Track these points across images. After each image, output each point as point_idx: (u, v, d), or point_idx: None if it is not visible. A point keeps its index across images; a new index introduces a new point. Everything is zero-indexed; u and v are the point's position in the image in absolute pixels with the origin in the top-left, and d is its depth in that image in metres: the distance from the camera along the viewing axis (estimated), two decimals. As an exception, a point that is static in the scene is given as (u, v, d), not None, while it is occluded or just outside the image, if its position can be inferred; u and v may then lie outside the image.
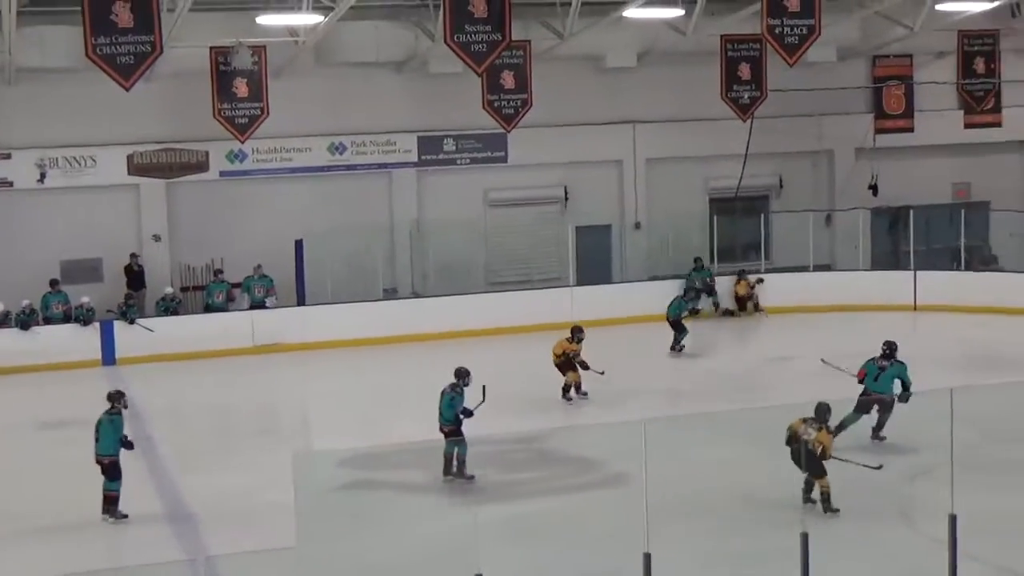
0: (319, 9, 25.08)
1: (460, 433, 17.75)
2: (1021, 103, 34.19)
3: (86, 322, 26.31)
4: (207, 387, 24.40)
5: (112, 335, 26.31)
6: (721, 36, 29.51)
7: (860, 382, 19.05)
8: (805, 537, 9.47)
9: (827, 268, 31.58)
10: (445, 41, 24.23)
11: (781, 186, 33.20)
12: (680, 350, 25.63)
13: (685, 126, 31.70)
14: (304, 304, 28.27)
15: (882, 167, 32.66)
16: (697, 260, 30.14)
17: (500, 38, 24.27)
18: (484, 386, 17.93)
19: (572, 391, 22.20)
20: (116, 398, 16.62)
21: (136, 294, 27.77)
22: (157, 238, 28.98)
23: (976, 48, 32.52)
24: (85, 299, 26.56)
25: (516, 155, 30.82)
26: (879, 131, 33.16)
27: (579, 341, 22.11)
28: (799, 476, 9.61)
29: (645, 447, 9.78)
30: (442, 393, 18.03)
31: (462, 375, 18.08)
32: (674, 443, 17.94)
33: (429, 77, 29.55)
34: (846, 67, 32.69)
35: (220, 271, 28.20)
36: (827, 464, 14.92)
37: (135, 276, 28.34)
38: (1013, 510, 15.89)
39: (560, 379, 22.11)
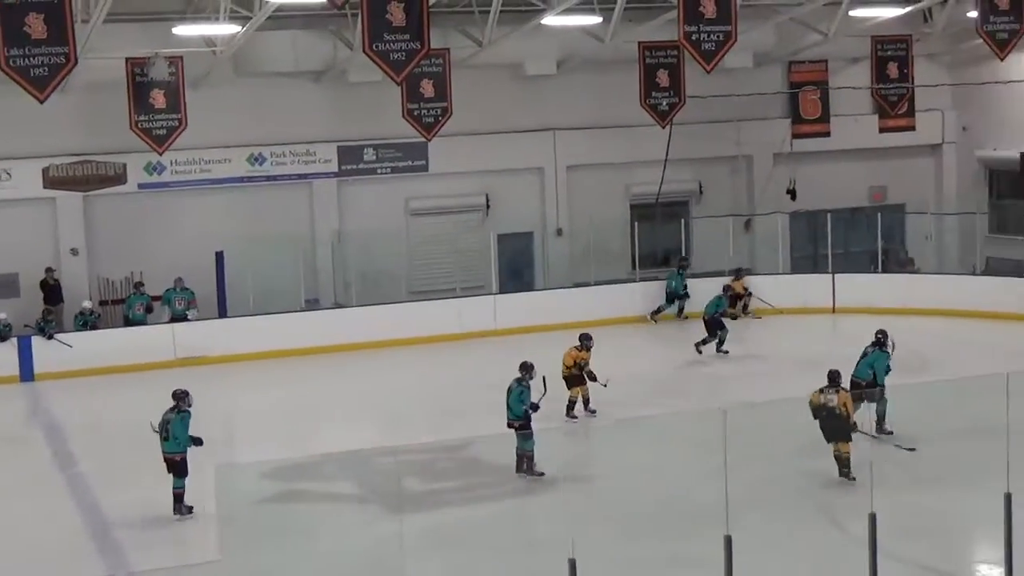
0: (236, 19, 24.93)
1: (528, 428, 17.72)
2: (934, 107, 34.71)
3: (3, 338, 25.93)
4: (128, 402, 24.09)
5: (30, 351, 25.95)
6: (639, 43, 29.69)
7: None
8: (729, 540, 9.54)
9: (748, 273, 31.81)
10: (364, 50, 24.15)
11: (701, 191, 33.43)
12: (719, 351, 25.75)
13: (605, 133, 31.84)
14: (226, 316, 28.07)
15: (800, 171, 33.00)
16: (683, 260, 30.35)
17: (419, 46, 24.23)
18: (544, 377, 18.03)
19: (578, 407, 20.69)
20: (182, 396, 17.11)
21: (54, 309, 27.40)
22: (75, 252, 28.63)
23: (889, 53, 32.94)
24: (2, 315, 26.18)
25: (437, 164, 30.80)
26: (796, 136, 33.51)
27: (589, 348, 20.75)
28: (721, 481, 9.70)
29: (567, 455, 9.80)
30: (509, 389, 18.11)
31: (528, 368, 18.16)
32: (598, 449, 18.06)
33: (348, 86, 29.47)
34: (763, 73, 33.01)
35: (140, 284, 27.91)
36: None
37: (51, 290, 27.97)
38: (933, 508, 16.14)
39: (562, 392, 20.26)
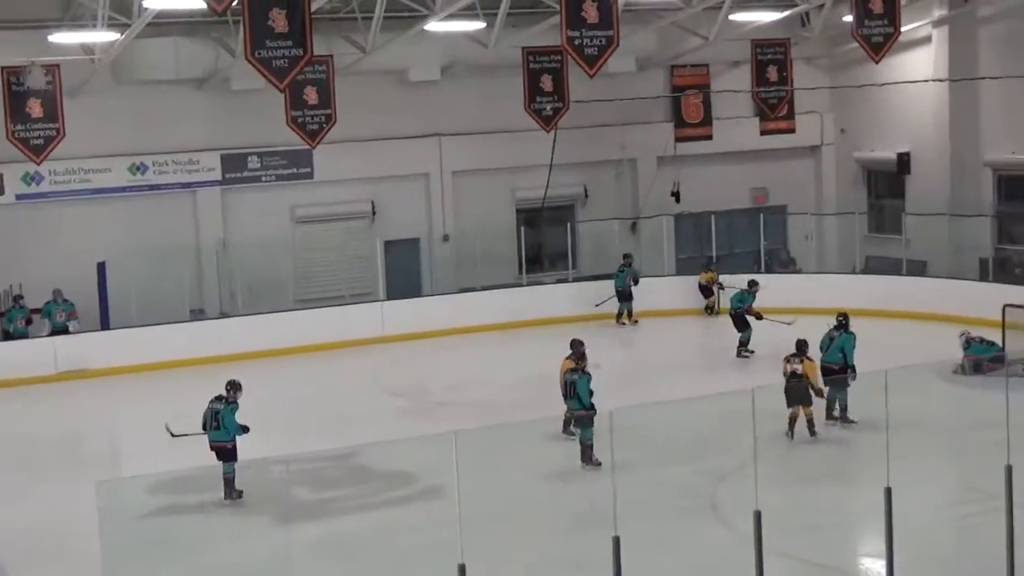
0: (115, 26, 24.59)
1: (594, 416, 18.17)
2: (812, 110, 35.30)
3: None
4: (8, 417, 23.65)
5: (-93, 366, 25.37)
6: (523, 48, 29.78)
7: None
8: (617, 541, 9.60)
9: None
10: (246, 57, 23.91)
11: (586, 195, 33.63)
12: (744, 353, 24.99)
13: (490, 138, 31.91)
14: (108, 328, 27.63)
15: (683, 174, 33.35)
16: (626, 257, 30.02)
17: (302, 53, 24.04)
18: (598, 364, 18.89)
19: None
20: (236, 387, 17.96)
21: (-69, 323, 26.81)
22: (-49, 265, 28.04)
23: (769, 57, 33.42)
24: None
25: (322, 171, 30.63)
26: (679, 139, 33.86)
27: (583, 356, 19.43)
28: (610, 481, 9.74)
29: (457, 459, 9.80)
30: (571, 382, 18.79)
31: (583, 357, 19.02)
32: (488, 453, 18.06)
33: (231, 94, 29.20)
34: (645, 77, 33.31)
35: (20, 296, 27.35)
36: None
37: (-74, 305, 27.37)
38: (817, 505, 16.40)
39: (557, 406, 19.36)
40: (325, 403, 23.27)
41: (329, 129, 28.13)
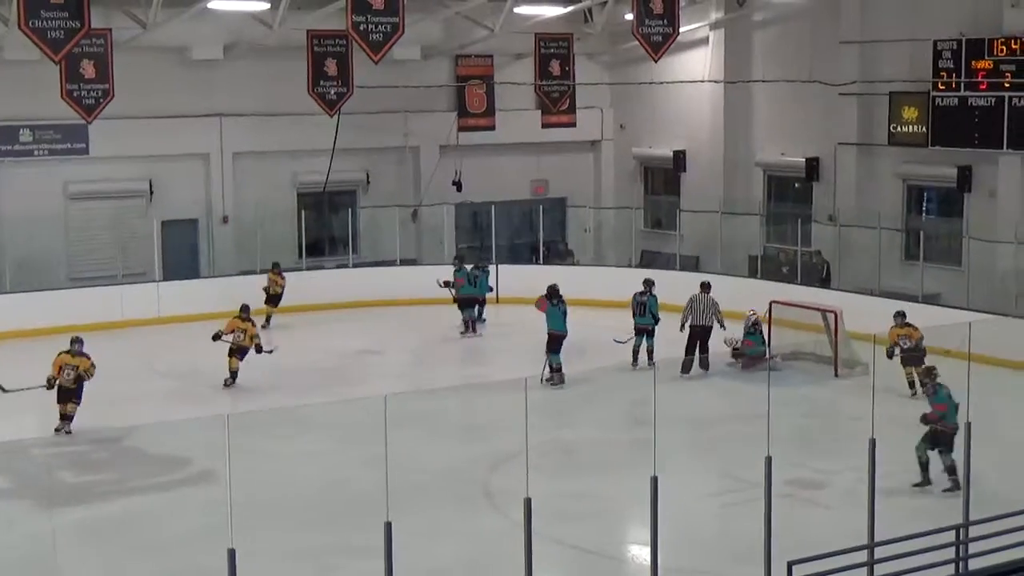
0: None
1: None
2: (593, 105, 35.88)
3: None
4: None
5: None
6: (307, 31, 29.56)
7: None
8: (389, 527, 9.67)
9: (414, 262, 32.15)
10: (20, 27, 23.23)
11: (368, 181, 33.56)
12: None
13: (273, 120, 31.56)
14: None
15: (466, 164, 33.56)
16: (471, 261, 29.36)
17: (79, 25, 23.46)
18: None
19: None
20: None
21: None
22: None
23: (552, 51, 33.86)
24: None
25: (98, 147, 29.85)
26: (462, 129, 34.03)
27: (250, 320, 22.89)
28: (383, 469, 9.82)
29: (228, 442, 9.74)
30: (642, 304, 23.68)
31: (652, 283, 24.02)
32: (261, 438, 17.97)
33: (4, 64, 28.23)
34: (430, 66, 33.40)
35: None
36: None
37: None
38: (588, 493, 16.77)
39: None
40: (95, 384, 22.72)
41: (106, 104, 27.47)
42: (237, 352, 22.28)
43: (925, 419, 16.49)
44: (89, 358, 19.66)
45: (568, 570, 14.52)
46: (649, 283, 24.30)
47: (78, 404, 19.44)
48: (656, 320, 23.83)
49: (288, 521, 15.73)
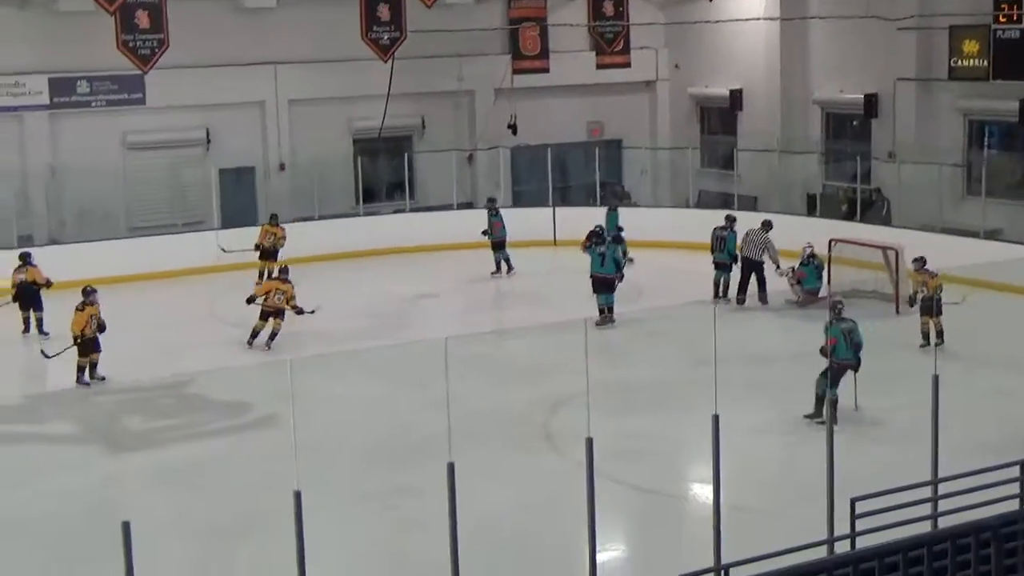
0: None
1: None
2: (648, 45, 35.59)
3: None
4: None
5: None
6: (360, -24, 29.53)
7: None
8: (451, 467, 9.73)
9: (470, 206, 32.16)
10: (75, -22, 23.37)
11: (424, 126, 33.54)
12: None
13: (327, 67, 31.56)
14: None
15: (520, 107, 33.42)
16: (613, 201, 29.35)
17: (133, -25, 23.57)
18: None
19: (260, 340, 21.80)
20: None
21: None
22: None
23: (605, -9, 33.70)
24: None
25: (155, 97, 29.99)
26: (516, 72, 33.86)
27: (289, 280, 21.98)
28: (442, 410, 9.87)
29: (292, 386, 9.83)
30: (722, 239, 24.10)
31: (733, 219, 24.47)
32: (321, 382, 18.12)
33: (58, 15, 28.39)
34: (483, 8, 33.25)
35: None
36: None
37: None
38: (648, 433, 16.81)
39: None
40: (158, 332, 22.99)
41: (161, 54, 27.61)
42: (274, 314, 21.51)
43: (822, 351, 16.77)
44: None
45: (630, 509, 14.57)
46: (731, 219, 24.61)
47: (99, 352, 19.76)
48: (732, 257, 24.11)
49: (352, 464, 15.89)
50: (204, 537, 13.99)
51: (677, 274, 26.30)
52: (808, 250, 23.73)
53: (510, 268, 27.48)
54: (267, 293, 21.71)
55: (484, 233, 27.68)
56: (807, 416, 16.76)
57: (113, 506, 14.56)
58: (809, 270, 23.59)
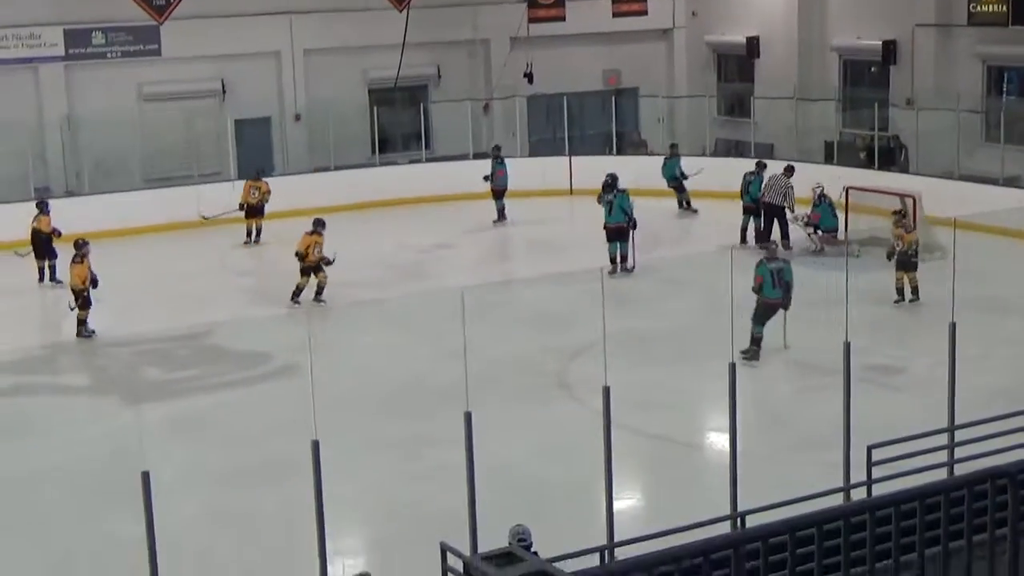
0: None
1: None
2: (665, -8, 35.41)
3: None
4: None
5: None
6: (374, -76, 29.38)
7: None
8: (468, 416, 9.75)
9: (486, 156, 32.04)
10: (89, -72, 23.29)
11: (439, 75, 33.43)
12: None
13: (342, 16, 31.45)
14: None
15: (536, 55, 33.27)
16: (673, 147, 29.17)
17: (147, -75, 23.48)
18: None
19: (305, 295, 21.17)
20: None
21: None
22: None
23: (622, -62, 33.47)
24: None
25: (170, 48, 29.95)
26: (532, 20, 33.69)
27: (321, 234, 21.10)
28: (459, 366, 9.88)
29: (310, 336, 9.86)
30: (749, 182, 24.13)
31: (763, 165, 24.76)
32: (338, 332, 18.17)
33: (74, -33, 28.35)
34: (498, -43, 33.09)
35: None
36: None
37: None
38: (665, 383, 16.83)
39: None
40: (175, 283, 23.04)
41: (177, 5, 27.63)
42: (315, 268, 20.90)
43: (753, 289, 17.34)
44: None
45: (648, 458, 14.62)
46: (761, 164, 24.88)
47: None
48: (755, 202, 24.25)
49: (369, 413, 15.94)
50: (222, 486, 14.08)
51: (693, 222, 26.27)
52: (819, 190, 23.67)
53: (504, 217, 27.53)
54: (307, 248, 20.88)
55: (485, 179, 27.68)
56: (742, 352, 16.85)
57: (131, 456, 14.64)
58: (822, 209, 23.50)
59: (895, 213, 20.91)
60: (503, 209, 27.63)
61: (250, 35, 30.86)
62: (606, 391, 10.18)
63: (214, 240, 26.29)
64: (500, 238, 26.95)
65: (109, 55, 29.77)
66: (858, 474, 10.86)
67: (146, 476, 8.68)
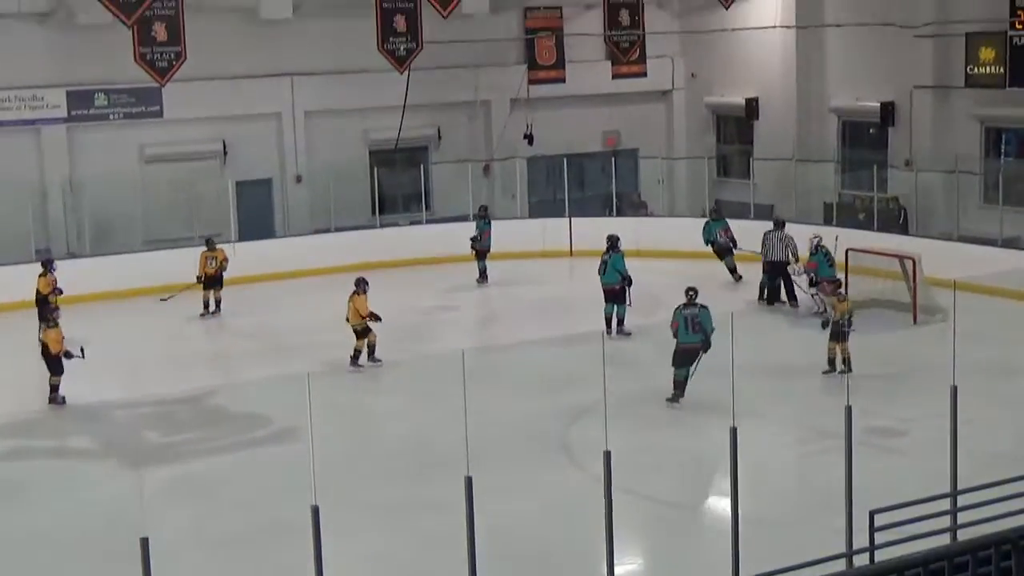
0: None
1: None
2: (663, 54, 35.59)
3: None
4: None
5: None
6: (375, -13, 29.56)
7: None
8: (469, 481, 9.72)
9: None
10: (92, -8, 23.45)
11: (440, 137, 33.57)
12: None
13: (343, 78, 31.62)
14: (-51, 268, 26.90)
15: (537, 117, 33.44)
16: (714, 210, 28.74)
17: (150, -11, 23.63)
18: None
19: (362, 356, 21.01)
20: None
21: None
22: None
23: (621, 0, 33.64)
24: None
25: (172, 109, 30.08)
26: (533, 82, 33.91)
27: (366, 292, 21.09)
28: (460, 429, 9.83)
29: (310, 400, 9.82)
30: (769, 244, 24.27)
31: (782, 223, 24.68)
32: (340, 395, 18.13)
33: (77, 29, 28.49)
34: (499, 19, 33.26)
35: None
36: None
37: None
38: (667, 446, 16.77)
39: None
40: (176, 345, 23.02)
41: (179, 67, 27.69)
42: (366, 329, 20.83)
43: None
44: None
45: (649, 522, 14.54)
46: (779, 223, 25.04)
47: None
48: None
49: (369, 477, 15.88)
50: (222, 551, 13.99)
51: (694, 283, 26.19)
52: (815, 241, 23.65)
53: (486, 278, 27.74)
54: (359, 309, 20.76)
55: (472, 240, 27.74)
56: (667, 398, 18.09)
57: (129, 521, 14.56)
58: (819, 258, 23.35)
59: (831, 283, 21.01)
60: (485, 270, 27.78)
61: (251, 97, 31.00)
62: (607, 456, 10.15)
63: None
64: (501, 300, 26.94)
65: (111, 117, 29.89)
66: (861, 539, 10.81)
67: (145, 542, 8.63)
